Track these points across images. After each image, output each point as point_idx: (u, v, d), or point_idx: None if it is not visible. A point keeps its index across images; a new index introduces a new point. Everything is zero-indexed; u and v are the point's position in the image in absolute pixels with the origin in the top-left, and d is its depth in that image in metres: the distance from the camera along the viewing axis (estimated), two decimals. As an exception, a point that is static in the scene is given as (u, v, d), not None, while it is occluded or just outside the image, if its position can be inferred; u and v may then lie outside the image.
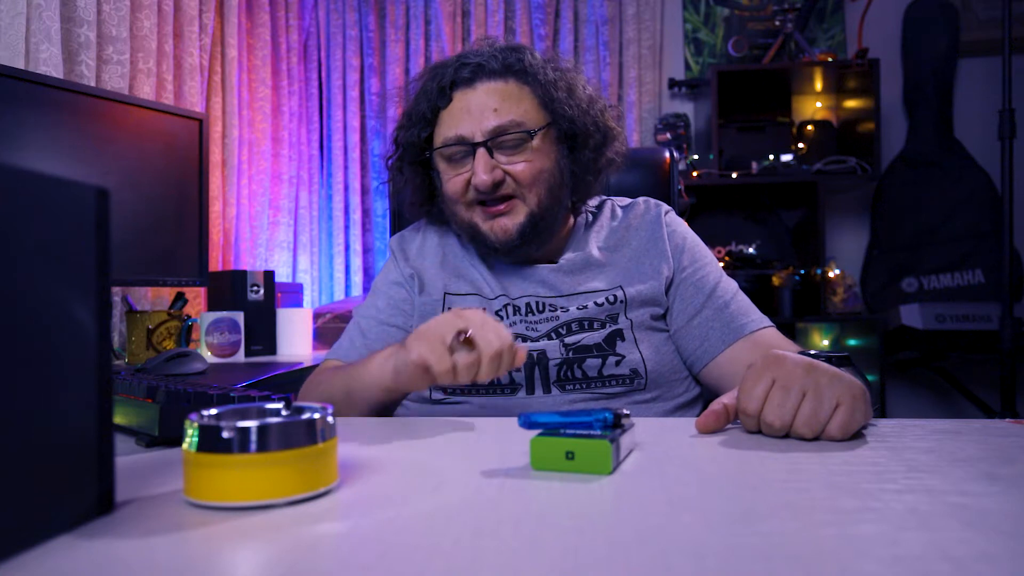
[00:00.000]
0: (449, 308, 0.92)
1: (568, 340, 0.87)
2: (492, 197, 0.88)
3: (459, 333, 0.63)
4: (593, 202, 1.02)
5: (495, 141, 0.87)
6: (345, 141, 2.60)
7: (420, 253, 1.00)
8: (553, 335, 0.88)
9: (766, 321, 0.90)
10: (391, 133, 1.00)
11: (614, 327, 0.88)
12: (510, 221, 0.88)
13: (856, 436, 0.54)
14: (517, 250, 0.90)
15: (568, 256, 0.95)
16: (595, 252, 0.95)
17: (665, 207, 0.99)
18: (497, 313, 0.91)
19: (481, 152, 0.87)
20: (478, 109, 0.87)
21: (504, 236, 0.88)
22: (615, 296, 0.90)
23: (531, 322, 0.90)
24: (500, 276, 0.94)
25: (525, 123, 0.88)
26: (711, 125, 2.42)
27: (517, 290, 0.93)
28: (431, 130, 0.93)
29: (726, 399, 0.59)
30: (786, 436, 0.54)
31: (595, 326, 0.88)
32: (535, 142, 0.88)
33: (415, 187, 0.99)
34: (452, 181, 0.90)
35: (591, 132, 0.93)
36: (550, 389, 0.86)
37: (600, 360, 0.86)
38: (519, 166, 0.87)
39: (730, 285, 0.94)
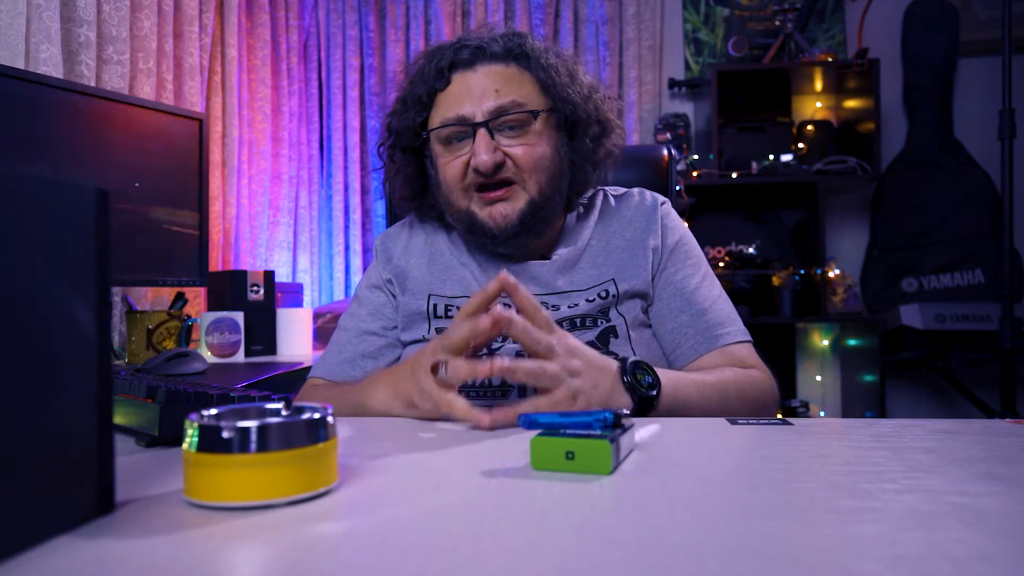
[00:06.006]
0: (434, 307, 0.90)
1: None
2: (491, 181, 0.85)
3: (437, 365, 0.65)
4: (586, 193, 0.99)
5: (496, 122, 0.85)
6: (345, 141, 2.60)
7: (406, 251, 0.97)
8: None
9: (743, 335, 0.88)
10: (383, 120, 0.97)
11: (607, 324, 0.86)
12: (510, 207, 0.86)
13: (857, 436, 0.54)
14: (516, 238, 0.87)
15: (560, 251, 0.92)
16: (588, 245, 0.92)
17: (662, 198, 0.97)
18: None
19: (482, 132, 0.84)
20: (479, 89, 0.85)
21: (504, 223, 0.86)
22: (607, 291, 0.88)
23: None
24: (492, 273, 0.90)
25: (527, 104, 0.85)
26: (711, 125, 2.42)
27: None
28: (427, 114, 0.90)
29: None
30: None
31: (587, 323, 0.86)
32: (537, 125, 0.86)
33: (406, 177, 0.95)
34: (450, 165, 0.87)
35: (591, 121, 0.91)
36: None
37: None
38: (520, 149, 0.85)
39: (712, 291, 0.92)
